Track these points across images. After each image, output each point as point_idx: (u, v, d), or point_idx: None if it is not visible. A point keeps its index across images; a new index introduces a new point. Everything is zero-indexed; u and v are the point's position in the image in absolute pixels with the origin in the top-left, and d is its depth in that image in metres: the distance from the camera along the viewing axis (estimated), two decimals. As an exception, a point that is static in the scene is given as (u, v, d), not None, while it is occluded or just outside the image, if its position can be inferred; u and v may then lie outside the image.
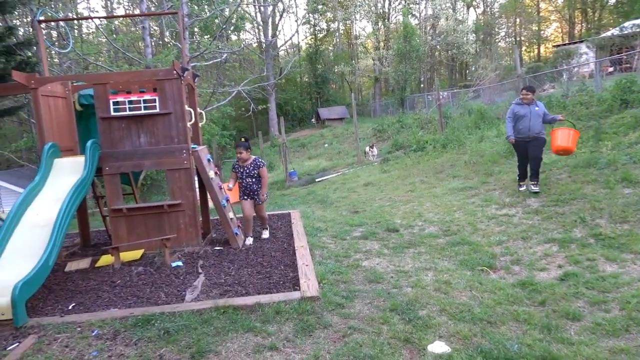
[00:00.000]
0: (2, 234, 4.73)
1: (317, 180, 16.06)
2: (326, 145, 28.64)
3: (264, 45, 38.85)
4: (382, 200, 9.32)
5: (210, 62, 19.00)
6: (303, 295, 4.16)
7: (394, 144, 18.41)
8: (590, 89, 12.45)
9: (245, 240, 6.26)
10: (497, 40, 48.15)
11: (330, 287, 4.48)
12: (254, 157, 6.26)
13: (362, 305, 4.10)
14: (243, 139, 6.30)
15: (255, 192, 6.21)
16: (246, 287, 4.61)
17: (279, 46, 43.60)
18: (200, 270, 5.19)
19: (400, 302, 4.07)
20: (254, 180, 6.18)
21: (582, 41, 25.51)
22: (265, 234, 6.57)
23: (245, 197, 6.25)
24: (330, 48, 50.61)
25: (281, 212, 8.26)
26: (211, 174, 6.28)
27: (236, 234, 6.18)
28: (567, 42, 36.11)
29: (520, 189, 7.65)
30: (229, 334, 3.62)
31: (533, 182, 7.41)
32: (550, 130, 7.43)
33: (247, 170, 6.16)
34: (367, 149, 19.01)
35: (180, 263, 5.45)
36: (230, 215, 6.34)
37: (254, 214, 6.38)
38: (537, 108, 7.29)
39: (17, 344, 3.70)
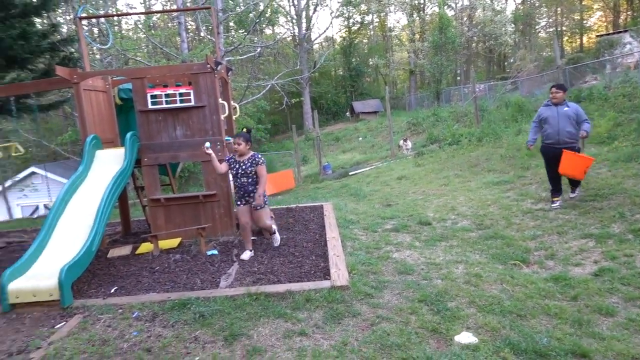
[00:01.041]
0: (48, 221, 5.02)
1: (350, 173, 16.10)
2: (360, 138, 28.59)
3: (297, 38, 38.97)
4: (415, 194, 9.28)
5: (245, 56, 19.28)
6: (333, 285, 4.24)
7: (428, 138, 18.22)
8: (634, 80, 11.98)
9: (241, 255, 5.39)
10: (537, 30, 46.58)
11: (360, 277, 4.54)
12: (252, 152, 5.40)
13: (391, 295, 4.14)
14: (245, 130, 5.54)
15: (251, 194, 5.36)
16: (278, 275, 4.73)
17: (312, 39, 43.65)
18: (234, 259, 5.35)
19: (430, 293, 4.09)
20: (249, 180, 5.32)
21: (626, 30, 24.42)
22: (276, 241, 5.75)
23: (240, 202, 5.43)
24: (364, 41, 50.25)
25: (314, 204, 8.35)
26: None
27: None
28: (611, 31, 34.64)
29: (554, 205, 6.57)
30: (261, 319, 3.74)
31: (572, 189, 6.72)
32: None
33: (243, 167, 5.29)
34: (401, 142, 18.89)
35: (215, 252, 5.63)
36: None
37: (251, 222, 5.50)
38: (566, 109, 6.35)
39: (64, 322, 3.96)
